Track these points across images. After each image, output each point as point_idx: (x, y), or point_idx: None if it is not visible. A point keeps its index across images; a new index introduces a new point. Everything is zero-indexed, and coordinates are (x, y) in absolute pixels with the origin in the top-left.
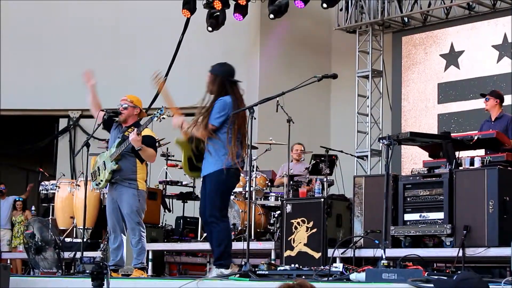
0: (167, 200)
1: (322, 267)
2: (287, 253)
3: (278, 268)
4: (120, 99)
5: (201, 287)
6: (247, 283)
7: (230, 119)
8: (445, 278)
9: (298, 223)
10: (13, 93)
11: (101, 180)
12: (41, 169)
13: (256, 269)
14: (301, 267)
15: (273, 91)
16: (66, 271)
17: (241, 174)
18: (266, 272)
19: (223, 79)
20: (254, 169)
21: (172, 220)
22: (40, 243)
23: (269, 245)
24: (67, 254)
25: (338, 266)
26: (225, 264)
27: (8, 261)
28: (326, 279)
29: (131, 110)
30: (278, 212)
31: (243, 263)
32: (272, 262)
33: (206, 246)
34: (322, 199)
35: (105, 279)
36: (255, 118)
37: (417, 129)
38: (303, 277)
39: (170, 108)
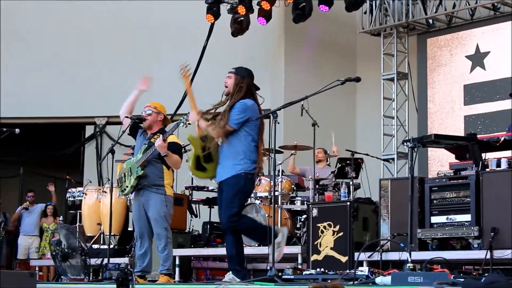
0: (193, 205)
1: (347, 270)
2: (313, 257)
3: (304, 273)
4: (144, 106)
5: None
6: None
7: (253, 124)
8: (473, 280)
9: (324, 227)
10: (40, 101)
11: (127, 186)
12: (68, 177)
13: (282, 273)
14: (327, 271)
15: (298, 95)
16: (94, 278)
17: (264, 179)
18: (292, 277)
19: (249, 82)
20: (280, 174)
21: (199, 225)
22: (66, 250)
23: (296, 249)
24: (94, 261)
25: (364, 270)
26: (238, 270)
27: (37, 268)
28: (352, 283)
29: (155, 116)
30: (304, 216)
31: (268, 267)
32: (299, 266)
33: None
34: (348, 203)
35: (131, 286)
36: (278, 123)
37: (443, 131)
38: (329, 281)
39: (190, 102)
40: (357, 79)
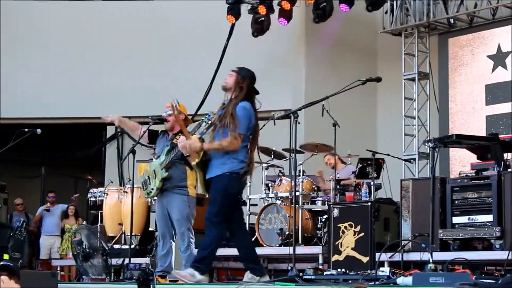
0: None
1: (369, 271)
2: (334, 257)
3: (325, 273)
4: (165, 106)
5: None
6: None
7: (248, 126)
8: (489, 282)
9: (345, 227)
10: (61, 102)
11: (152, 189)
12: (89, 177)
13: (303, 274)
14: (348, 271)
15: (319, 95)
16: (115, 278)
17: (285, 179)
18: (313, 277)
19: (250, 84)
20: (300, 174)
21: None
22: (88, 250)
23: (317, 249)
24: (115, 261)
25: (385, 270)
26: (202, 270)
27: (58, 268)
28: (373, 283)
29: (176, 117)
30: (325, 216)
31: (289, 268)
32: (320, 267)
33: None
34: (369, 203)
35: (152, 286)
36: (299, 123)
37: (465, 131)
38: (350, 281)
39: (184, 132)
40: (378, 79)
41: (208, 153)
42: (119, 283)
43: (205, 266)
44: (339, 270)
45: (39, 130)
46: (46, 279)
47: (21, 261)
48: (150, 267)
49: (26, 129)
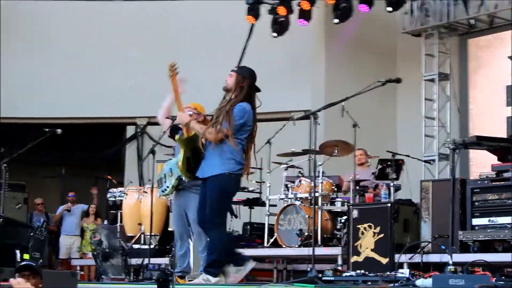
0: (233, 206)
1: (388, 272)
2: (354, 258)
3: (344, 274)
4: (184, 107)
5: None
6: None
7: (246, 127)
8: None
9: (365, 228)
10: (81, 102)
11: (167, 187)
12: (109, 177)
13: (322, 275)
14: (367, 273)
15: (339, 96)
16: (134, 278)
17: (304, 180)
18: (332, 278)
19: (251, 84)
20: (320, 175)
21: (239, 226)
22: (107, 250)
23: (336, 250)
24: (135, 261)
25: (405, 272)
26: (213, 273)
27: (78, 268)
28: (393, 285)
29: (195, 117)
30: (345, 217)
31: (308, 269)
32: (339, 268)
33: (273, 252)
34: (389, 204)
35: (171, 286)
36: (319, 124)
37: (485, 132)
38: (369, 283)
39: (177, 104)
40: (398, 80)
41: (199, 145)
42: (139, 283)
43: (217, 268)
44: (358, 271)
45: (59, 130)
46: (66, 278)
47: (41, 260)
48: (169, 267)
49: (47, 129)
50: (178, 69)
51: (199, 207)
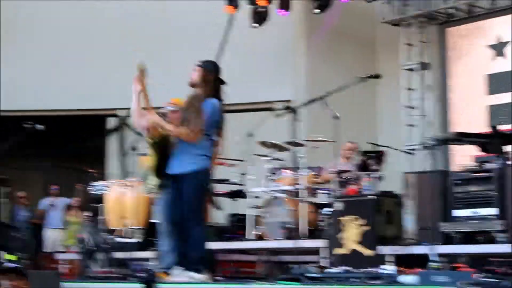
0: (216, 198)
1: (371, 269)
2: (337, 251)
3: (327, 270)
4: (166, 103)
5: None
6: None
7: (215, 122)
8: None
9: (348, 220)
10: (62, 94)
11: (152, 184)
12: (90, 170)
13: (305, 272)
14: (351, 268)
15: (319, 86)
16: (119, 273)
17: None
18: (318, 275)
19: (216, 77)
20: (302, 167)
21: (222, 218)
22: (91, 247)
23: (319, 243)
24: (119, 255)
25: (388, 268)
26: (198, 270)
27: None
28: (376, 282)
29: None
30: (328, 209)
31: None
32: (322, 261)
33: (257, 244)
34: (372, 196)
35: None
36: (300, 121)
37: (465, 121)
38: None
39: (146, 105)
40: (377, 76)
41: (170, 144)
42: (123, 282)
43: (202, 265)
44: (343, 267)
45: (41, 126)
46: (51, 278)
47: (25, 261)
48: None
49: (29, 123)
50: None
51: (170, 205)
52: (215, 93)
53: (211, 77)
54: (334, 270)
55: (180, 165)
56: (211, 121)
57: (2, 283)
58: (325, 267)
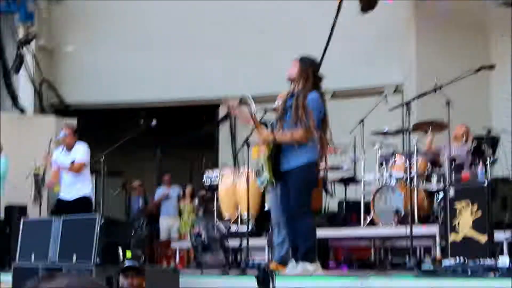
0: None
1: (487, 260)
2: (451, 237)
3: (443, 264)
4: (278, 96)
5: (365, 287)
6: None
7: (321, 116)
8: None
9: (462, 206)
10: (173, 84)
11: (266, 178)
12: (203, 159)
13: (420, 264)
14: (466, 260)
15: (430, 69)
16: (234, 264)
17: (399, 159)
18: (432, 268)
19: (314, 71)
20: (415, 153)
21: (334, 205)
22: (206, 242)
23: (433, 229)
24: (233, 243)
25: (505, 260)
26: (311, 259)
27: (177, 250)
28: (493, 274)
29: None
30: (441, 195)
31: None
32: (436, 249)
33: (370, 231)
34: (486, 182)
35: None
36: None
37: None
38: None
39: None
40: (492, 67)
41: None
42: (239, 275)
43: (313, 254)
44: (457, 259)
45: (154, 122)
46: (168, 275)
47: (143, 258)
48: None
49: (144, 121)
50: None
51: (281, 199)
52: (316, 87)
53: (309, 72)
54: (449, 262)
55: (287, 161)
56: (316, 116)
57: (121, 282)
58: (440, 259)
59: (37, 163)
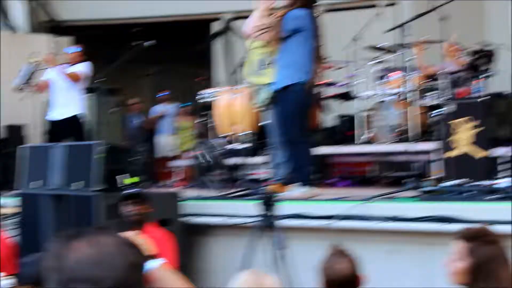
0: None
1: (485, 182)
2: (448, 154)
3: (443, 184)
4: None
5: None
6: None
7: (306, 33)
8: None
9: (459, 122)
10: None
11: (265, 98)
12: (199, 78)
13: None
14: (467, 180)
15: None
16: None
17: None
18: (433, 188)
19: None
20: (409, 69)
21: (331, 120)
22: (207, 164)
23: (430, 145)
24: (232, 161)
25: (505, 181)
26: (308, 182)
27: (175, 169)
28: (492, 196)
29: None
30: (438, 111)
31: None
32: (433, 167)
33: (366, 148)
34: (482, 97)
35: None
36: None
37: None
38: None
39: None
40: None
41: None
42: (243, 199)
43: (310, 177)
44: (455, 180)
45: (151, 42)
46: (167, 199)
47: (143, 184)
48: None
49: (138, 42)
50: None
51: (278, 119)
52: (306, 2)
53: None
54: (449, 183)
55: (279, 79)
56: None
57: (124, 209)
58: (440, 180)
59: (38, 57)
